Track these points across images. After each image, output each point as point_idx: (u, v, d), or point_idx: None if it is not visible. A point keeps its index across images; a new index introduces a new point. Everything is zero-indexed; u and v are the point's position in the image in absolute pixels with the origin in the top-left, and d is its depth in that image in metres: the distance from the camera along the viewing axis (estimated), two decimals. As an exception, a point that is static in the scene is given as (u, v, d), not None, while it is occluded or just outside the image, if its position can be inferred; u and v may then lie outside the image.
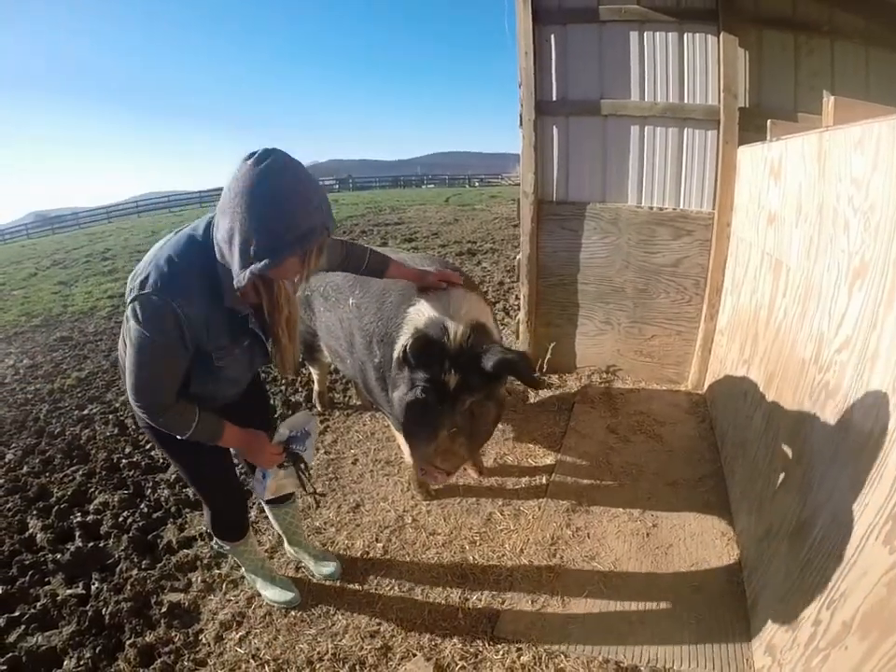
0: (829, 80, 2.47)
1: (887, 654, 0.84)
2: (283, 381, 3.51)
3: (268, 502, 1.74)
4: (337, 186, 29.68)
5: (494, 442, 2.58)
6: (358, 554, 1.98)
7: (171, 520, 2.23)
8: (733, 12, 2.42)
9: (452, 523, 2.12)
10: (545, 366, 3.30)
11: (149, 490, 2.45)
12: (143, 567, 1.97)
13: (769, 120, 2.05)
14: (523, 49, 2.70)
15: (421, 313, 1.65)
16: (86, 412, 3.35)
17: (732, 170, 2.51)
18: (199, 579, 1.91)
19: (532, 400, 3.06)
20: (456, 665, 1.54)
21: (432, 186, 30.31)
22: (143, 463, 2.67)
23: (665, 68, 2.62)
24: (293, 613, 1.74)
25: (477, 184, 30.14)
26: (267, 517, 1.95)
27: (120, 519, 2.23)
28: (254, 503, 2.21)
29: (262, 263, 1.00)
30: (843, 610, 1.00)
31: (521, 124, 2.89)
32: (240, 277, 1.03)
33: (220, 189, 1.03)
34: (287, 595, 1.76)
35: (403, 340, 1.61)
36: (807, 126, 1.85)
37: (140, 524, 2.18)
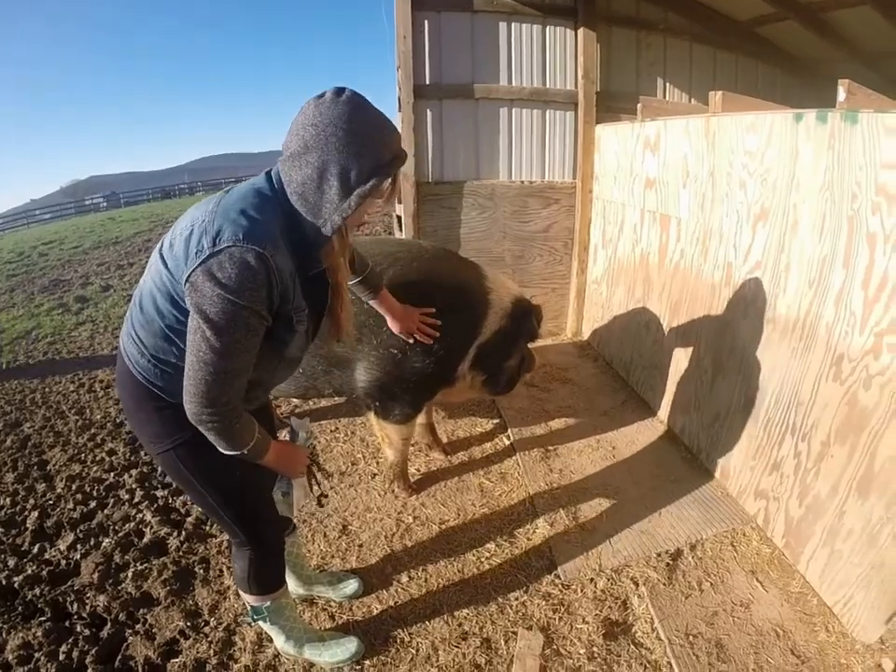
0: (662, 69, 3.48)
1: (864, 445, 1.51)
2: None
3: None
4: (105, 203, 28.83)
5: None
6: (383, 571, 1.98)
7: (128, 631, 1.85)
8: (589, 11, 3.14)
9: (452, 506, 2.32)
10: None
11: (74, 605, 1.96)
12: (132, 702, 1.61)
13: (639, 104, 2.81)
14: (402, 32, 2.95)
15: (502, 294, 2.10)
16: None
17: (591, 144, 3.29)
18: (219, 681, 1.65)
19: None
20: (555, 619, 1.74)
21: (201, 193, 29.83)
22: (43, 573, 2.09)
23: (531, 57, 3.22)
24: (367, 663, 1.65)
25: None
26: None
27: (62, 657, 1.76)
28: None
29: (370, 184, 1.04)
30: (818, 434, 1.68)
31: (399, 108, 3.14)
32: (343, 206, 1.05)
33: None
34: (351, 646, 1.63)
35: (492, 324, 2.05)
36: (669, 111, 2.64)
37: (93, 652, 1.76)
